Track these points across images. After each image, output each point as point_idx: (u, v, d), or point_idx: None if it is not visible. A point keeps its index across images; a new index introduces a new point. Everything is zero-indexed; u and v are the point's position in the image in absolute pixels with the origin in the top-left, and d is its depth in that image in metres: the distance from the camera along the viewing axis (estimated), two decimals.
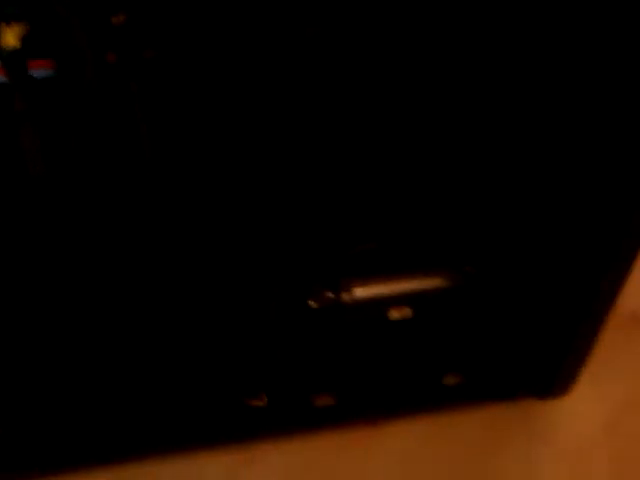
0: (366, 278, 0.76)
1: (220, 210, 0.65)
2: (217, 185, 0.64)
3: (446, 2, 0.56)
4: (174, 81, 0.54)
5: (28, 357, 0.70)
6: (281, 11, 0.54)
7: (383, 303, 0.76)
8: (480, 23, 0.58)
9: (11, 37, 0.47)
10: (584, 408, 0.82)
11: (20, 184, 0.55)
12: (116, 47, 0.50)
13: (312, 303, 0.75)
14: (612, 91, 0.60)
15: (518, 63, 0.62)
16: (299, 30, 0.55)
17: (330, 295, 0.75)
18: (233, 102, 0.58)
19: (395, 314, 0.77)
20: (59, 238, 0.61)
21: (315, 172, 0.66)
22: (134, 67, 0.51)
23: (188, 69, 0.53)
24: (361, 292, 0.76)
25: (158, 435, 0.77)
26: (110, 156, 0.56)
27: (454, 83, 0.63)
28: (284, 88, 0.58)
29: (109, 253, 0.64)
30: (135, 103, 0.53)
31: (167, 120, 0.56)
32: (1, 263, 0.60)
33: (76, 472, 0.77)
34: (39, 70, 0.49)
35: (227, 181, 0.64)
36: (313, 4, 0.53)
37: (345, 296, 0.75)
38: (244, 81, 0.57)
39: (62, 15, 0.47)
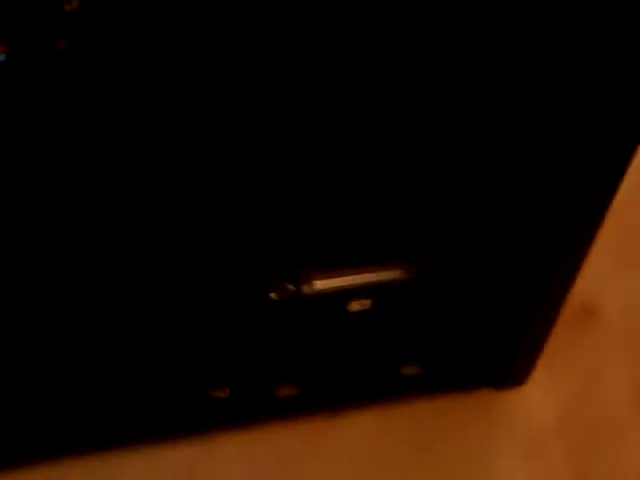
0: (326, 270, 0.77)
1: (177, 199, 0.66)
2: (173, 173, 0.65)
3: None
4: (126, 69, 0.54)
5: None
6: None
7: (343, 295, 0.77)
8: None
9: None
10: (540, 398, 0.84)
11: None
12: (68, 34, 0.51)
13: (273, 295, 0.76)
14: (564, 94, 0.62)
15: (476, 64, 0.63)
16: (254, 21, 0.56)
17: (290, 287, 0.76)
18: (187, 89, 0.58)
19: (355, 306, 0.78)
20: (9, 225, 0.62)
21: (275, 162, 0.67)
22: (86, 55, 0.52)
23: (140, 57, 0.54)
24: (321, 284, 0.77)
25: (121, 427, 0.78)
26: (62, 142, 0.57)
27: (418, 80, 0.63)
28: (239, 74, 0.59)
29: (62, 241, 0.64)
30: (87, 91, 0.54)
31: (119, 108, 0.57)
32: None
33: (39, 464, 0.77)
34: None
35: (184, 170, 0.65)
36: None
37: (305, 288, 0.76)
38: (197, 67, 0.57)
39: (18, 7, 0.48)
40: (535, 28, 0.60)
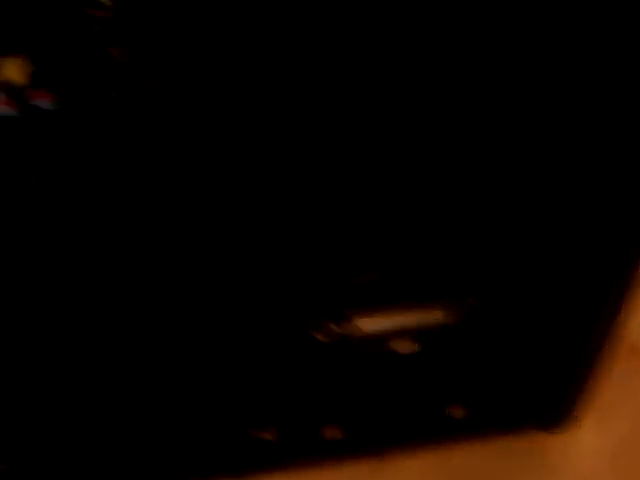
0: (371, 311, 0.76)
1: (224, 238, 0.67)
2: (219, 210, 0.65)
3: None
4: (175, 109, 0.55)
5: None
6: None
7: (388, 336, 0.77)
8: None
9: (16, 73, 0.49)
10: (589, 440, 0.82)
11: (23, 193, 0.57)
12: (118, 80, 0.52)
13: (318, 336, 0.76)
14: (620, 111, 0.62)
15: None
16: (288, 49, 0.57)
17: (336, 328, 0.76)
18: (231, 127, 0.59)
19: (399, 346, 0.78)
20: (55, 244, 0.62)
21: (317, 202, 0.67)
22: (135, 99, 0.53)
23: (189, 99, 0.55)
24: (366, 325, 0.77)
25: (167, 468, 0.78)
26: (107, 168, 0.57)
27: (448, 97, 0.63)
28: (281, 109, 0.60)
29: (105, 275, 0.65)
30: (134, 128, 0.55)
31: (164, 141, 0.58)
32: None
33: None
34: (43, 101, 0.50)
35: (229, 207, 0.65)
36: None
37: (351, 329, 0.76)
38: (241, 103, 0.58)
39: (66, 55, 0.49)
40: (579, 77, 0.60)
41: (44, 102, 0.51)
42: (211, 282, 0.69)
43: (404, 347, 0.78)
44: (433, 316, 0.77)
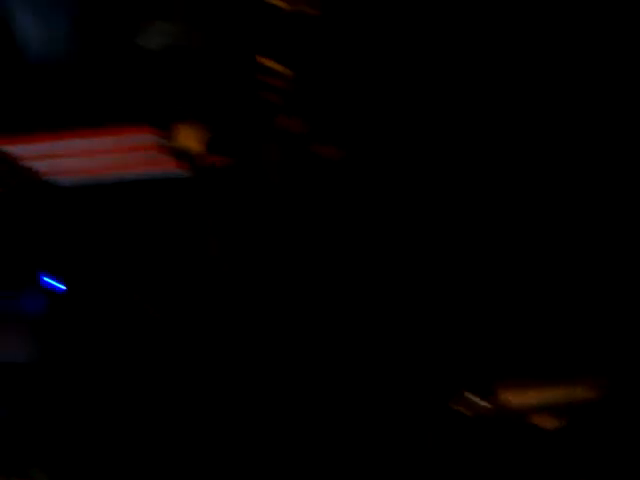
0: (516, 386, 0.80)
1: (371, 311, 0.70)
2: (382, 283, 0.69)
3: None
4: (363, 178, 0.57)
5: None
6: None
7: (531, 410, 0.80)
8: None
9: (193, 140, 0.54)
10: None
11: (200, 261, 0.60)
12: (294, 149, 0.56)
13: (462, 409, 0.79)
14: None
15: None
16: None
17: (481, 402, 0.80)
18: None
19: (542, 422, 0.80)
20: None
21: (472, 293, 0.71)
22: (310, 169, 0.56)
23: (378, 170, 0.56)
24: (511, 399, 0.80)
25: None
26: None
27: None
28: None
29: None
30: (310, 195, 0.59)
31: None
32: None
33: None
34: (214, 165, 0.54)
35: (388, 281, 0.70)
36: None
37: (495, 403, 0.79)
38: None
39: (244, 123, 0.52)
40: None
41: (215, 165, 0.55)
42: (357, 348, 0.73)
43: (547, 423, 0.80)
44: (576, 393, 0.79)
